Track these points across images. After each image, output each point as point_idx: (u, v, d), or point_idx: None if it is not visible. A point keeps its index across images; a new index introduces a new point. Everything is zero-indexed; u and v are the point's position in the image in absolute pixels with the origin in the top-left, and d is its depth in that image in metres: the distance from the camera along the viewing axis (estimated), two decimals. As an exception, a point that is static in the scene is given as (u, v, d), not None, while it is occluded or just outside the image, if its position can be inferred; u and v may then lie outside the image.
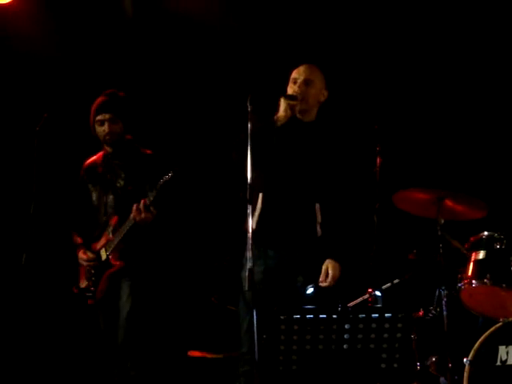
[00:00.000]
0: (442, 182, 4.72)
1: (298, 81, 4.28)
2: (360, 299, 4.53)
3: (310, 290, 4.13)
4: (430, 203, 4.49)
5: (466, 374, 4.04)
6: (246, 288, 3.73)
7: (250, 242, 3.77)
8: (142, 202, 4.58)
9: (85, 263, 4.80)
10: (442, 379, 4.36)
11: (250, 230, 3.78)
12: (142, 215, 4.59)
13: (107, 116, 4.75)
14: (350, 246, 4.31)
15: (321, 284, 4.19)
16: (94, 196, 4.87)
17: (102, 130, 4.77)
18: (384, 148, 4.70)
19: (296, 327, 3.40)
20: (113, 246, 4.73)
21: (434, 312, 4.45)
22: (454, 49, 5.51)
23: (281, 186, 4.25)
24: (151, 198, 4.57)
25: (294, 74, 4.33)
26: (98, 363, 5.29)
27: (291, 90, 4.29)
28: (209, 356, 5.33)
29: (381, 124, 4.69)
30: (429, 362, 4.37)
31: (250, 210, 3.82)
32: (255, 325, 3.71)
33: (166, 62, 5.93)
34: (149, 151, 4.88)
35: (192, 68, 5.88)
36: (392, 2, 5.60)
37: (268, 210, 4.26)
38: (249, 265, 3.72)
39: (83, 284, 4.82)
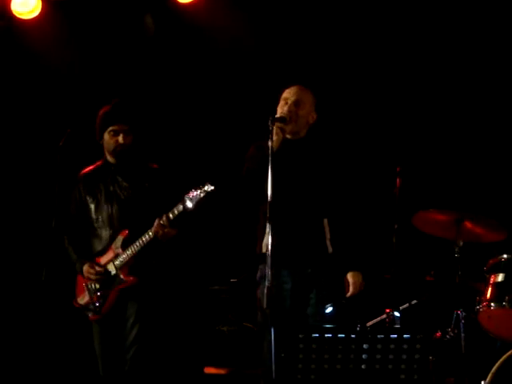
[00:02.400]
0: (462, 203, 4.72)
1: (289, 101, 4.27)
2: (378, 319, 4.53)
3: (328, 309, 4.14)
4: (449, 224, 4.49)
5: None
6: (265, 306, 3.74)
7: (269, 260, 3.78)
8: (165, 216, 4.44)
9: (93, 277, 4.63)
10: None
11: (270, 248, 3.79)
12: (166, 230, 4.46)
13: (123, 127, 4.63)
14: (363, 259, 4.30)
15: (348, 295, 4.20)
16: (92, 208, 4.69)
17: (115, 140, 4.63)
18: (404, 169, 4.71)
19: (314, 346, 3.41)
20: (124, 260, 4.58)
21: (451, 334, 4.44)
22: (472, 67, 5.52)
23: (287, 207, 4.23)
24: (176, 213, 4.42)
25: (286, 94, 4.32)
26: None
27: (281, 110, 4.27)
28: (224, 372, 5.33)
29: (401, 144, 4.73)
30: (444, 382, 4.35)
31: (269, 229, 3.84)
32: (273, 343, 3.71)
33: (185, 78, 5.97)
34: (155, 165, 4.76)
35: (212, 83, 5.93)
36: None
37: (278, 230, 4.24)
38: (267, 283, 3.73)
39: (83, 299, 4.68)
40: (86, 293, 4.67)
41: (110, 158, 4.72)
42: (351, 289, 4.23)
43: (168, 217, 4.44)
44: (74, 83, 5.89)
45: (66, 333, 5.72)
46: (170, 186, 4.67)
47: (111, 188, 4.68)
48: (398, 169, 4.73)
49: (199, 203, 4.36)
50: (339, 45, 5.68)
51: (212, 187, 4.35)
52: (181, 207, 4.39)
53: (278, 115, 4.23)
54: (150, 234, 4.49)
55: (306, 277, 4.25)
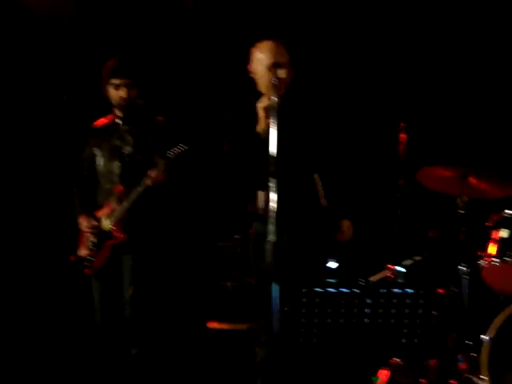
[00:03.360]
0: (467, 159, 4.69)
1: (280, 65, 3.97)
2: (382, 274, 4.53)
3: (332, 265, 4.14)
4: (453, 180, 4.47)
5: (485, 351, 4.05)
6: (268, 260, 3.74)
7: (273, 214, 3.77)
8: (160, 163, 4.47)
9: (86, 230, 4.66)
10: (459, 356, 4.37)
11: (273, 204, 3.78)
12: (157, 174, 4.47)
13: (126, 81, 4.60)
14: (354, 209, 4.29)
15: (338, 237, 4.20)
16: (101, 161, 4.70)
17: (118, 94, 4.61)
18: (409, 124, 4.67)
19: (317, 300, 3.42)
20: (117, 216, 4.59)
21: (454, 289, 4.44)
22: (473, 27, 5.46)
23: (280, 165, 4.16)
24: (162, 168, 4.45)
25: (271, 58, 4.05)
26: (92, 338, 5.33)
27: (266, 77, 4.03)
28: (228, 327, 5.37)
29: (405, 100, 4.68)
30: (448, 339, 4.37)
31: (273, 184, 3.82)
32: (276, 298, 3.72)
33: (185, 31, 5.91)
34: (161, 118, 4.73)
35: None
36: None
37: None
38: (271, 237, 3.73)
39: (82, 252, 4.68)
40: (84, 245, 4.68)
41: (117, 112, 4.71)
42: (342, 236, 4.22)
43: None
44: (78, 37, 5.81)
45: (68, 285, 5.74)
46: (175, 139, 4.61)
47: (117, 142, 4.67)
48: (401, 124, 4.69)
49: (178, 158, 4.43)
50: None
51: (182, 147, 4.43)
52: (164, 163, 4.45)
53: (267, 102, 3.97)
54: (142, 184, 4.50)
55: (301, 232, 4.23)
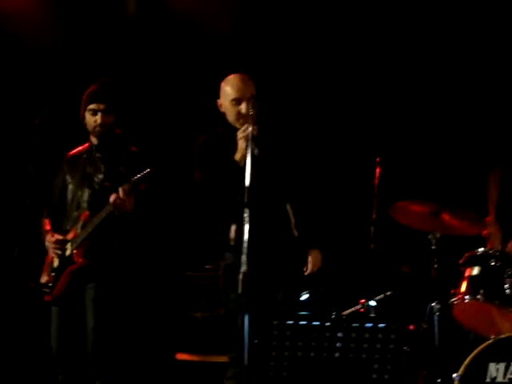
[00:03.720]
0: (440, 196, 4.72)
1: (243, 100, 4.10)
2: (353, 309, 4.52)
3: (304, 297, 4.12)
4: (426, 216, 4.48)
5: (455, 389, 4.03)
6: (240, 291, 3.70)
7: (245, 245, 3.74)
8: (121, 188, 4.36)
9: (52, 245, 4.56)
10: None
11: (247, 235, 3.75)
12: (123, 199, 4.35)
13: (101, 106, 4.55)
14: (323, 238, 4.28)
15: (306, 273, 4.18)
16: (71, 188, 4.64)
17: (94, 120, 4.56)
18: (384, 159, 4.70)
19: (288, 333, 3.39)
20: (79, 240, 4.50)
21: (425, 326, 4.44)
22: (451, 50, 5.53)
23: (253, 195, 4.14)
24: (130, 186, 4.36)
25: (235, 94, 4.15)
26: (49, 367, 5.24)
27: (233, 114, 4.13)
28: (197, 359, 5.31)
29: (381, 135, 4.71)
30: (418, 377, 4.35)
31: (246, 214, 3.80)
32: (246, 329, 3.68)
33: (165, 61, 5.92)
34: (135, 149, 4.68)
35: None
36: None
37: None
38: (243, 268, 3.69)
39: (43, 279, 4.59)
40: (46, 271, 4.60)
41: (92, 139, 4.67)
42: (310, 266, 4.20)
43: (124, 189, 4.37)
44: (53, 61, 5.81)
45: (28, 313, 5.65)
46: (145, 169, 4.53)
47: (89, 170, 4.63)
48: (377, 159, 4.71)
49: (136, 185, 4.36)
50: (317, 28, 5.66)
51: (147, 170, 4.36)
52: (128, 186, 4.37)
53: (248, 134, 3.98)
54: (107, 207, 4.42)
55: (276, 263, 4.21)
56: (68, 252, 4.55)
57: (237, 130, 4.13)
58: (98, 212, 4.47)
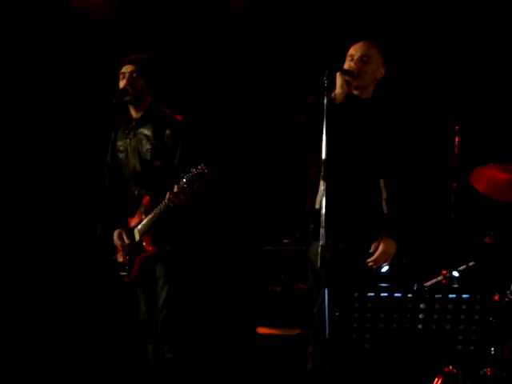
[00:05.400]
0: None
1: (355, 57, 4.20)
2: (435, 280, 4.43)
3: (384, 269, 4.06)
4: (508, 184, 4.35)
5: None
6: (319, 265, 3.68)
7: (323, 218, 3.71)
8: (176, 187, 4.37)
9: (119, 246, 4.64)
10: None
11: (324, 207, 3.72)
12: (180, 198, 4.37)
13: (129, 68, 4.50)
14: (418, 224, 4.20)
15: (368, 260, 4.11)
16: (123, 164, 4.63)
17: (122, 84, 4.50)
18: (464, 127, 4.57)
19: (370, 305, 3.35)
20: (145, 228, 4.55)
21: (510, 296, 4.32)
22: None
23: (343, 165, 4.16)
24: (184, 185, 4.36)
25: (351, 51, 4.25)
26: (131, 342, 5.35)
27: (347, 66, 4.22)
28: (278, 333, 5.32)
29: (460, 103, 4.59)
30: (505, 348, 4.25)
31: (324, 187, 3.77)
32: (327, 303, 3.65)
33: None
34: (179, 117, 4.60)
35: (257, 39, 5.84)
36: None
37: (332, 190, 4.17)
38: (321, 242, 3.67)
39: (119, 258, 4.66)
40: (121, 252, 4.67)
41: (132, 112, 4.63)
42: (375, 255, 4.12)
43: (179, 188, 4.38)
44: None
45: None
46: (193, 140, 4.57)
47: (134, 143, 4.59)
48: (456, 127, 4.59)
49: (193, 182, 4.34)
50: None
51: (202, 169, 4.32)
52: (186, 180, 4.36)
53: (345, 67, 4.18)
54: (164, 204, 4.43)
55: (360, 236, 4.17)
56: (137, 238, 4.60)
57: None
58: (157, 196, 4.46)
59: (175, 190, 4.38)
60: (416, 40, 5.53)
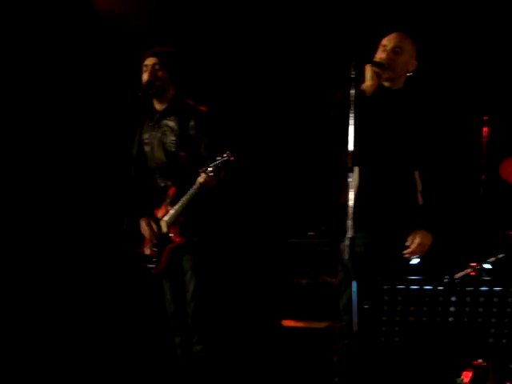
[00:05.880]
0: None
1: (387, 48, 4.14)
2: (463, 272, 4.39)
3: (415, 261, 4.02)
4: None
5: None
6: (347, 257, 3.65)
7: (351, 210, 3.68)
8: (202, 174, 4.37)
9: (146, 234, 4.62)
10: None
11: (352, 199, 3.69)
12: (212, 180, 4.37)
13: (152, 60, 4.50)
14: (450, 216, 4.15)
15: (404, 252, 4.06)
16: (147, 153, 4.61)
17: (145, 77, 4.49)
18: (493, 118, 4.52)
19: (400, 298, 3.32)
20: (172, 218, 4.51)
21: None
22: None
23: (377, 157, 4.14)
24: (210, 173, 4.35)
25: (384, 41, 4.18)
26: (159, 334, 5.33)
27: (379, 56, 4.15)
28: (303, 326, 5.30)
29: (490, 92, 4.54)
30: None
31: (351, 179, 3.74)
32: (355, 296, 3.63)
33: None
34: (204, 108, 4.59)
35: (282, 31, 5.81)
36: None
37: (366, 181, 4.15)
38: (350, 234, 3.64)
39: (147, 251, 4.64)
40: (148, 244, 4.65)
41: (156, 104, 4.62)
42: (412, 247, 4.06)
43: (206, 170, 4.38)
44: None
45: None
46: (218, 130, 4.55)
47: (159, 135, 4.59)
48: (485, 118, 4.54)
49: (219, 171, 4.34)
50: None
51: (228, 157, 4.32)
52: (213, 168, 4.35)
53: (376, 59, 4.11)
54: (195, 187, 4.42)
55: (395, 228, 4.12)
56: (165, 229, 4.57)
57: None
58: (183, 187, 4.45)
59: (203, 174, 4.36)
60: (445, 30, 5.46)
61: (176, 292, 4.63)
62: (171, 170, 4.58)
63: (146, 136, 4.65)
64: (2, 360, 5.49)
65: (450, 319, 3.29)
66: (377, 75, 4.06)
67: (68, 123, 5.96)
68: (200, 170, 4.38)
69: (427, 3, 5.50)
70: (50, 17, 5.86)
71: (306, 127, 5.61)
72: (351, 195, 3.69)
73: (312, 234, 5.53)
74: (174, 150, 4.56)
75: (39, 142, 5.93)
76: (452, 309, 3.29)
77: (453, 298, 3.29)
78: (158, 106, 4.62)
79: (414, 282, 3.33)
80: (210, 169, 4.36)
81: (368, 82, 4.04)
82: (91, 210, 6.00)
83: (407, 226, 4.11)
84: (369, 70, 4.05)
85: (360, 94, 3.95)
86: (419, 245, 4.05)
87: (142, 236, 4.68)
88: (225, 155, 4.35)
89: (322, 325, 5.21)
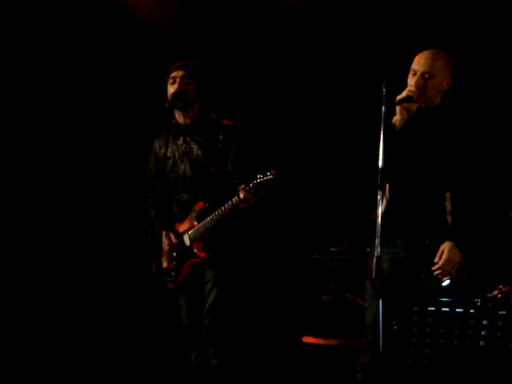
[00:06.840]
0: None
1: (417, 73, 4.02)
2: (491, 294, 4.33)
3: (446, 282, 3.96)
4: None
5: None
6: (373, 276, 3.60)
7: (378, 228, 3.64)
8: (244, 189, 4.27)
9: (167, 247, 4.59)
10: None
11: (380, 217, 3.65)
12: (250, 197, 4.28)
13: (180, 73, 4.45)
14: (481, 237, 4.08)
15: (433, 268, 3.99)
16: (169, 166, 4.55)
17: (173, 88, 4.44)
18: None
19: (430, 320, 3.27)
20: (198, 234, 4.47)
21: None
22: None
23: (408, 175, 4.08)
24: (252, 189, 4.26)
25: (414, 65, 4.06)
26: (175, 348, 5.29)
27: (409, 82, 4.03)
28: (324, 343, 5.24)
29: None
30: None
31: (380, 196, 3.70)
32: (381, 314, 3.58)
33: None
34: (229, 122, 4.55)
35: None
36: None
37: (396, 199, 4.10)
38: (377, 252, 3.60)
39: (164, 264, 4.59)
40: (166, 258, 4.60)
41: (178, 118, 4.57)
42: (440, 262, 3.97)
43: (246, 188, 4.30)
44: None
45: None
46: (246, 144, 4.51)
47: (182, 148, 4.55)
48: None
49: (260, 188, 4.26)
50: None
51: (273, 176, 4.23)
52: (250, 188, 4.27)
53: (403, 94, 3.98)
54: (230, 203, 4.34)
55: (422, 248, 4.07)
56: (187, 243, 4.53)
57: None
58: (212, 203, 4.42)
59: (244, 191, 4.28)
60: (480, 45, 5.38)
61: (192, 306, 4.59)
62: (197, 183, 4.54)
63: (168, 149, 4.57)
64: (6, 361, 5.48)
65: (481, 343, 3.24)
66: (406, 110, 3.97)
67: (94, 133, 5.96)
68: (240, 187, 4.30)
69: (463, 16, 5.42)
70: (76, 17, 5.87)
71: (331, 144, 5.57)
72: (379, 212, 3.65)
73: (335, 250, 5.48)
74: (201, 164, 4.52)
75: (59, 147, 5.94)
76: (483, 333, 3.24)
77: (484, 322, 3.24)
78: (182, 120, 4.58)
79: (445, 304, 3.28)
80: (251, 185, 4.28)
81: (398, 117, 3.95)
82: (112, 219, 5.98)
83: (435, 244, 4.05)
84: (398, 107, 3.96)
85: (390, 125, 3.90)
86: (447, 260, 3.98)
87: (160, 249, 4.63)
88: (269, 173, 4.26)
89: (340, 342, 5.16)
